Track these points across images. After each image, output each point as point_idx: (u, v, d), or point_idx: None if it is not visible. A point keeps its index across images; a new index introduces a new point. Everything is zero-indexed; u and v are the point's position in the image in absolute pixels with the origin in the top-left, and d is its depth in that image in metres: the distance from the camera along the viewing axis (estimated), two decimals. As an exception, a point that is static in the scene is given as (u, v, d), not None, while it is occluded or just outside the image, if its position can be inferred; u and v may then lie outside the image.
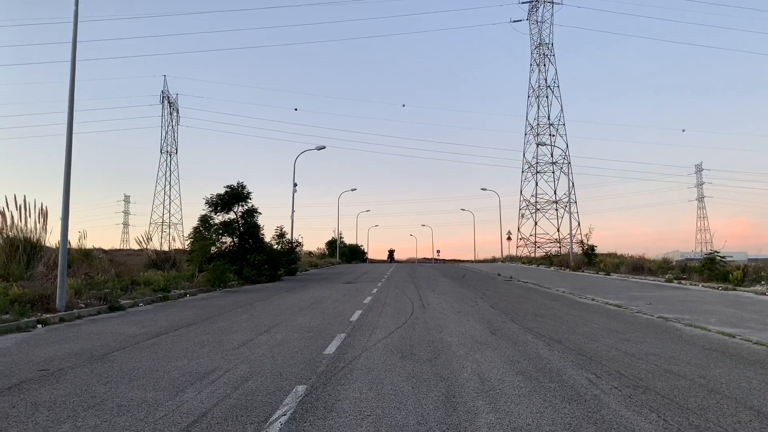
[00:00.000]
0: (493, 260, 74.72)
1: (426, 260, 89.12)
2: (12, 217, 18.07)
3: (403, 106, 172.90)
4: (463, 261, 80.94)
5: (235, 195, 28.68)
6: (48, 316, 11.73)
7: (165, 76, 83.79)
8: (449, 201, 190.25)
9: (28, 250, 17.86)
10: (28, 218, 18.26)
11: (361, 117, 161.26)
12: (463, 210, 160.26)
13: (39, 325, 11.05)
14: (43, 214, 18.60)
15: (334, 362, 7.42)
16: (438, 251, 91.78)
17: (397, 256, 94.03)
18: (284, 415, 4.98)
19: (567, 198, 69.79)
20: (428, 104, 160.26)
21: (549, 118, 75.30)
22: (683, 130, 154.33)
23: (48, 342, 9.25)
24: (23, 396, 5.71)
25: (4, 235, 17.90)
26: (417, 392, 5.81)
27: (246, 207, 29.07)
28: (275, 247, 32.85)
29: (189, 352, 8.25)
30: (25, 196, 18.36)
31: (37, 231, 18.46)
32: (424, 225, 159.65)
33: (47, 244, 18.86)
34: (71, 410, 5.17)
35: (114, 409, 5.22)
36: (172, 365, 7.24)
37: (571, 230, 49.70)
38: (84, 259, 21.20)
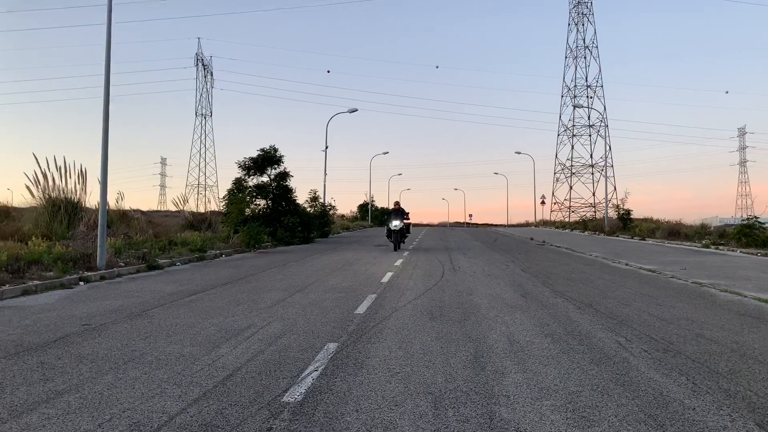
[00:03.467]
0: (527, 225, 74.20)
1: (458, 224, 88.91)
2: (53, 178, 18.57)
3: (437, 67, 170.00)
4: (496, 225, 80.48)
5: (268, 158, 28.91)
6: (89, 274, 12.13)
7: (199, 38, 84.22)
8: (482, 165, 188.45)
9: (69, 210, 18.38)
10: (69, 179, 18.75)
11: (394, 79, 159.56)
12: (497, 174, 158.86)
13: (81, 283, 11.44)
14: (83, 175, 19.06)
15: (364, 322, 7.55)
16: (470, 215, 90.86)
17: (427, 219, 74.83)
18: (316, 370, 5.12)
19: (603, 162, 68.74)
20: (463, 65, 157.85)
21: (586, 80, 73.60)
22: (726, 92, 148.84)
23: (90, 298, 9.59)
24: (68, 348, 5.97)
25: (47, 196, 18.44)
26: (446, 352, 5.90)
27: (279, 170, 29.32)
28: (308, 210, 33.15)
29: (224, 309, 8.47)
30: (65, 158, 18.81)
31: (77, 192, 18.96)
32: (456, 189, 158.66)
33: (87, 205, 19.38)
34: (113, 363, 5.40)
35: (153, 362, 5.43)
36: (209, 322, 7.46)
37: (606, 194, 48.92)
38: (122, 219, 21.74)
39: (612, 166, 71.20)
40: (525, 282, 12.26)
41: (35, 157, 18.40)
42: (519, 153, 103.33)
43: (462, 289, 10.86)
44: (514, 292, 10.64)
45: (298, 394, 4.46)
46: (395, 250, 21.93)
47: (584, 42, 73.79)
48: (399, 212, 23.20)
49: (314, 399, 4.35)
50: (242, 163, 28.58)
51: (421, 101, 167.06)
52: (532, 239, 34.04)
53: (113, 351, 5.87)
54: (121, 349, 5.94)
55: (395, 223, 22.71)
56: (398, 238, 22.66)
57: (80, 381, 4.80)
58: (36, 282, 10.52)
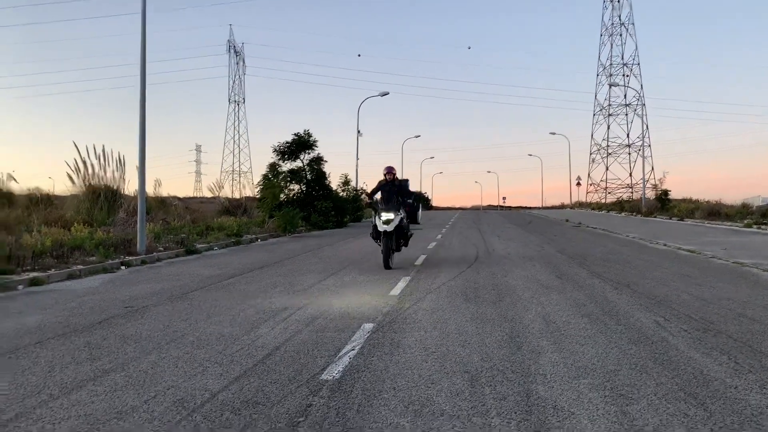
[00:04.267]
0: (562, 207, 73.32)
1: (491, 207, 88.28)
2: (93, 166, 19.03)
3: (469, 48, 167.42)
4: (530, 208, 79.70)
5: (302, 143, 29.10)
6: (130, 258, 12.43)
7: (231, 25, 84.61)
8: (516, 146, 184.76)
9: (109, 197, 18.84)
10: (108, 168, 19.19)
11: (425, 61, 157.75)
12: (531, 155, 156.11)
13: (122, 267, 11.74)
14: (121, 163, 19.49)
15: (399, 303, 7.60)
16: (504, 198, 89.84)
17: (460, 203, 69.39)
18: (353, 350, 5.19)
19: (640, 141, 67.46)
20: (495, 46, 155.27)
21: (623, 58, 71.92)
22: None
23: (131, 282, 9.85)
24: (112, 330, 6.15)
25: (87, 184, 18.91)
26: (481, 332, 5.90)
27: (312, 155, 29.51)
28: (341, 194, 33.33)
29: (262, 292, 8.62)
30: (103, 147, 19.25)
31: (116, 180, 19.41)
32: (489, 171, 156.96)
33: (126, 193, 19.85)
34: (155, 343, 5.55)
35: (194, 342, 5.56)
36: (247, 304, 7.60)
37: (644, 175, 48.05)
38: (160, 206, 22.22)
39: (649, 145, 69.75)
40: (561, 263, 12.15)
41: (75, 145, 18.86)
42: (554, 134, 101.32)
43: (496, 271, 10.83)
44: (550, 273, 10.56)
45: (336, 372, 4.52)
46: (386, 267, 11.07)
47: (620, 19, 72.07)
48: (393, 189, 11.50)
49: (352, 377, 4.42)
50: (277, 148, 28.84)
51: (452, 83, 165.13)
52: (567, 221, 33.65)
53: (155, 332, 6.03)
54: (163, 330, 6.10)
55: (386, 217, 11.11)
56: (391, 244, 11.24)
57: (125, 360, 4.95)
58: (79, 266, 10.83)
